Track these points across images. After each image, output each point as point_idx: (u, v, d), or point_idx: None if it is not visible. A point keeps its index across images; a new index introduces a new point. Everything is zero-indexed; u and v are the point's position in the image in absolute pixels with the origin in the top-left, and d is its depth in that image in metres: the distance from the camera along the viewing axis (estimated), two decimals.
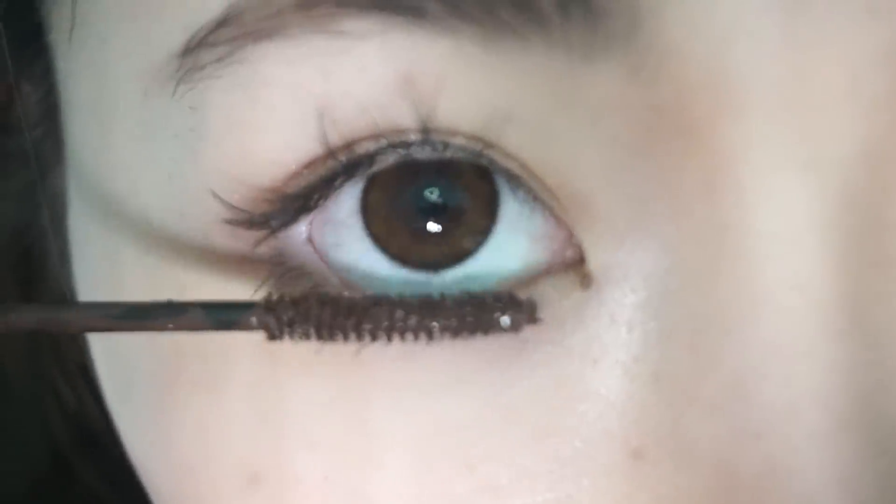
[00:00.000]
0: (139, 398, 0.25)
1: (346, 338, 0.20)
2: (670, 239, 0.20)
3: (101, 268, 0.25)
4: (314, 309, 0.20)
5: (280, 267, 0.22)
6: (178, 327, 0.20)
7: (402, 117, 0.20)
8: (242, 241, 0.22)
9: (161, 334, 0.22)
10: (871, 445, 0.20)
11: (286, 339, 0.20)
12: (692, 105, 0.19)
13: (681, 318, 0.20)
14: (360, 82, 0.20)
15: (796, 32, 0.19)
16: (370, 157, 0.21)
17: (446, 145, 0.21)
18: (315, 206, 0.22)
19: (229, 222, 0.22)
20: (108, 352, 0.26)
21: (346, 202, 0.22)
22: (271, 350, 0.22)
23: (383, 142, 0.21)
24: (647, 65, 0.19)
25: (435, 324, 0.19)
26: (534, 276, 0.21)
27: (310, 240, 0.22)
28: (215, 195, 0.22)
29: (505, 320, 0.19)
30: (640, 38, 0.19)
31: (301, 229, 0.22)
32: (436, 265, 0.22)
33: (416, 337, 0.20)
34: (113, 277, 0.25)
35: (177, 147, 0.22)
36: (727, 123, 0.19)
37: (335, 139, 0.21)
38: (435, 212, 0.22)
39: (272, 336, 0.20)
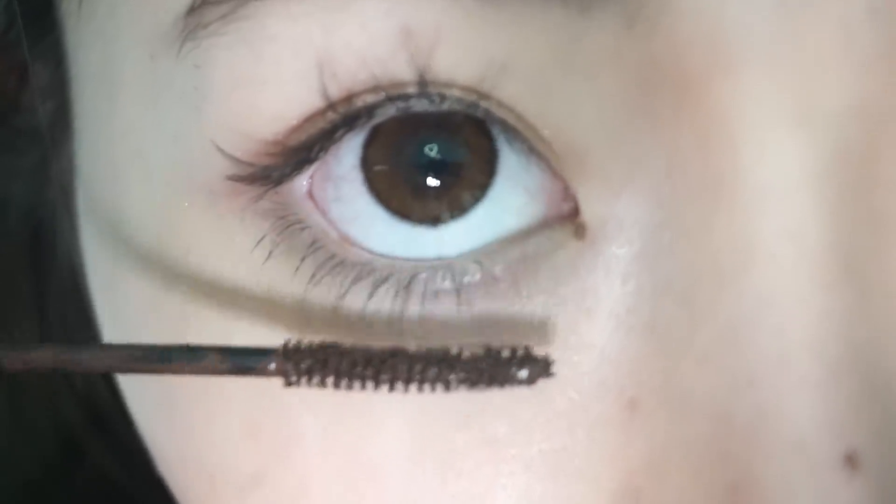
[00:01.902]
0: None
1: (363, 387, 0.20)
2: (665, 192, 0.20)
3: (107, 234, 0.26)
4: (333, 358, 0.20)
5: (281, 221, 0.22)
6: (196, 371, 0.20)
7: (401, 70, 0.20)
8: (245, 196, 0.22)
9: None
10: (862, 393, 0.20)
11: (303, 385, 0.20)
12: (687, 60, 0.20)
13: (675, 270, 0.21)
14: (361, 36, 0.20)
15: None
16: (369, 110, 0.21)
17: (443, 97, 0.21)
18: (316, 158, 0.22)
19: (232, 178, 0.22)
20: (121, 337, 0.26)
21: (347, 157, 0.22)
22: None
23: (382, 94, 0.21)
24: (643, 18, 0.19)
25: (453, 377, 0.20)
26: (531, 229, 0.22)
27: (310, 194, 0.22)
28: (219, 149, 0.22)
29: (522, 374, 0.20)
30: None
31: (302, 183, 0.22)
32: (435, 220, 0.22)
33: (434, 388, 0.20)
34: (118, 242, 0.25)
35: (182, 107, 0.23)
36: (721, 78, 0.20)
37: (335, 92, 0.21)
38: (434, 167, 0.22)
39: (290, 383, 0.20)
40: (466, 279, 0.22)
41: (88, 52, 0.25)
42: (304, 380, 0.20)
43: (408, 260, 0.22)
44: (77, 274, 0.30)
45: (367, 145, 0.22)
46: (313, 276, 0.22)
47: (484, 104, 0.21)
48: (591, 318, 0.21)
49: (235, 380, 0.22)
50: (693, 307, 0.21)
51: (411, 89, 0.21)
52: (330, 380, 0.20)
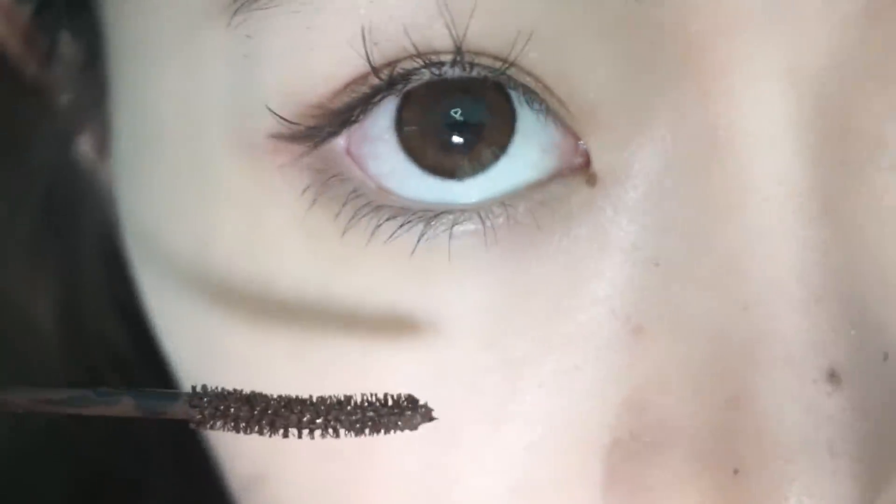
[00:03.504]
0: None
1: (261, 433, 0.22)
2: (668, 141, 0.23)
3: (153, 184, 0.28)
4: (233, 406, 0.22)
5: (322, 174, 0.25)
6: (112, 413, 0.22)
7: (438, 38, 0.23)
8: (287, 154, 0.25)
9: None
10: (842, 315, 0.23)
11: (208, 429, 0.22)
12: (691, 23, 0.22)
13: (677, 209, 0.23)
14: (403, 5, 0.22)
15: None
16: (406, 75, 0.23)
17: (473, 65, 0.23)
18: (356, 120, 0.24)
19: (276, 136, 0.25)
20: (160, 288, 0.29)
21: (382, 119, 0.24)
22: None
23: (419, 62, 0.23)
24: None
25: (339, 426, 0.21)
26: (545, 179, 0.24)
27: (348, 151, 0.25)
28: (271, 111, 0.24)
29: (401, 424, 0.21)
30: None
31: (340, 142, 0.25)
32: (462, 174, 0.24)
33: (324, 435, 0.22)
34: (165, 189, 0.27)
35: (229, 73, 0.25)
36: (721, 39, 0.22)
37: (378, 58, 0.23)
38: (460, 127, 0.24)
39: (197, 425, 0.22)
40: (492, 219, 0.24)
41: (129, 25, 0.27)
42: (209, 424, 0.22)
43: (440, 204, 0.24)
44: (108, 229, 0.33)
45: (400, 108, 0.24)
46: (353, 217, 0.24)
47: (509, 71, 0.23)
48: (602, 253, 0.24)
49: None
50: (694, 241, 0.23)
51: (446, 57, 0.23)
52: (231, 425, 0.22)
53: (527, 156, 0.24)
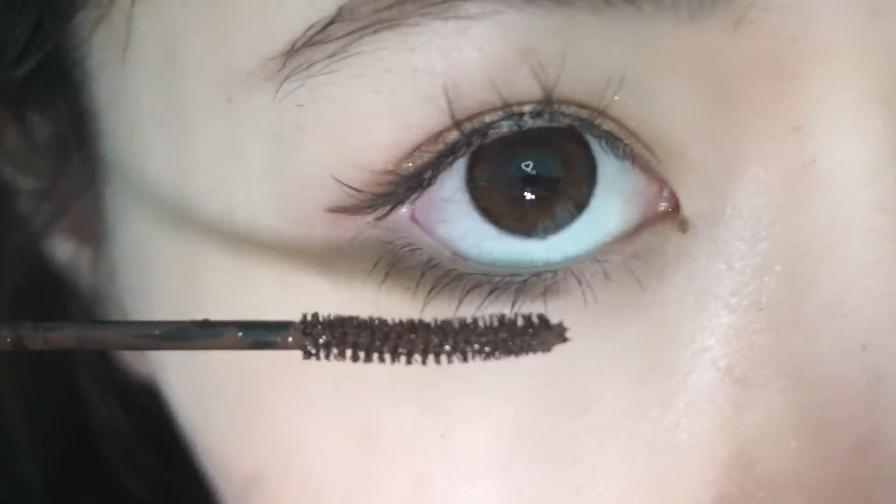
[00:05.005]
0: (218, 398, 0.26)
1: (381, 360, 0.20)
2: (761, 178, 0.22)
3: (176, 276, 0.26)
4: (350, 332, 0.20)
5: (390, 246, 0.23)
6: (216, 346, 0.21)
7: (523, 87, 0.21)
8: (344, 229, 0.23)
9: None
10: None
11: (322, 359, 0.21)
12: (784, 54, 0.21)
13: (776, 250, 0.22)
14: (480, 60, 0.21)
15: None
16: (485, 128, 0.22)
17: (558, 114, 0.22)
18: (429, 183, 0.23)
19: (335, 210, 0.23)
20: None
21: (450, 180, 0.23)
22: None
23: (501, 113, 0.22)
24: (747, 19, 0.21)
25: (469, 348, 0.20)
26: (631, 231, 0.23)
27: (413, 219, 0.23)
28: (339, 181, 0.22)
29: (535, 344, 0.20)
30: None
31: (404, 210, 0.23)
32: (542, 231, 0.23)
33: (450, 360, 0.20)
34: (193, 284, 0.25)
35: (275, 145, 0.23)
36: (815, 68, 0.21)
37: (461, 113, 0.22)
38: (533, 182, 0.23)
39: (308, 356, 0.21)
40: (588, 277, 0.23)
41: (132, 100, 0.25)
42: (322, 353, 0.20)
43: (526, 266, 0.23)
44: (95, 309, 0.31)
45: (471, 167, 0.23)
46: (432, 289, 0.23)
47: (596, 120, 0.22)
48: (699, 303, 0.22)
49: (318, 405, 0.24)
50: (796, 282, 0.22)
51: (527, 107, 0.22)
52: (348, 353, 0.20)
53: (609, 206, 0.23)
